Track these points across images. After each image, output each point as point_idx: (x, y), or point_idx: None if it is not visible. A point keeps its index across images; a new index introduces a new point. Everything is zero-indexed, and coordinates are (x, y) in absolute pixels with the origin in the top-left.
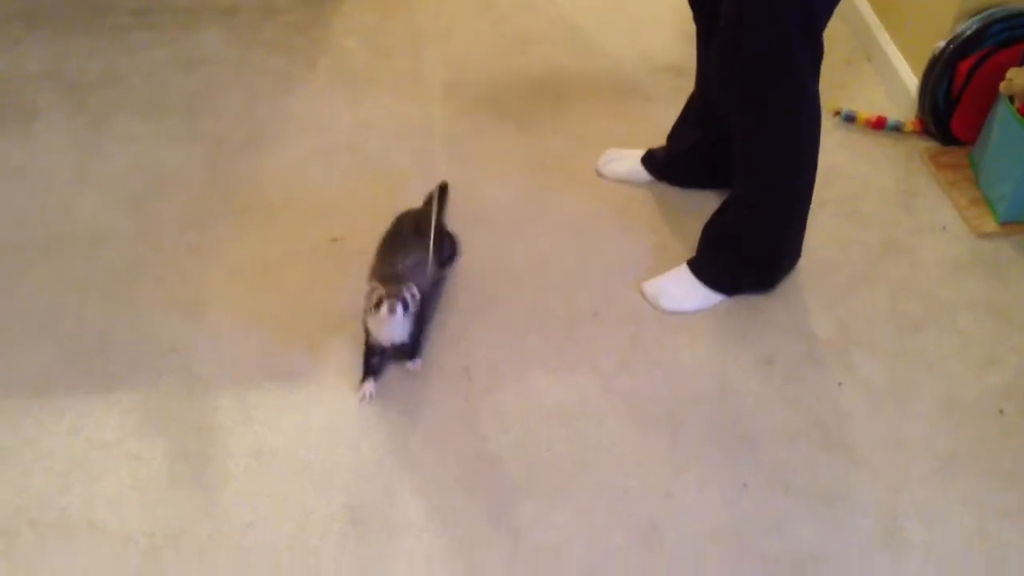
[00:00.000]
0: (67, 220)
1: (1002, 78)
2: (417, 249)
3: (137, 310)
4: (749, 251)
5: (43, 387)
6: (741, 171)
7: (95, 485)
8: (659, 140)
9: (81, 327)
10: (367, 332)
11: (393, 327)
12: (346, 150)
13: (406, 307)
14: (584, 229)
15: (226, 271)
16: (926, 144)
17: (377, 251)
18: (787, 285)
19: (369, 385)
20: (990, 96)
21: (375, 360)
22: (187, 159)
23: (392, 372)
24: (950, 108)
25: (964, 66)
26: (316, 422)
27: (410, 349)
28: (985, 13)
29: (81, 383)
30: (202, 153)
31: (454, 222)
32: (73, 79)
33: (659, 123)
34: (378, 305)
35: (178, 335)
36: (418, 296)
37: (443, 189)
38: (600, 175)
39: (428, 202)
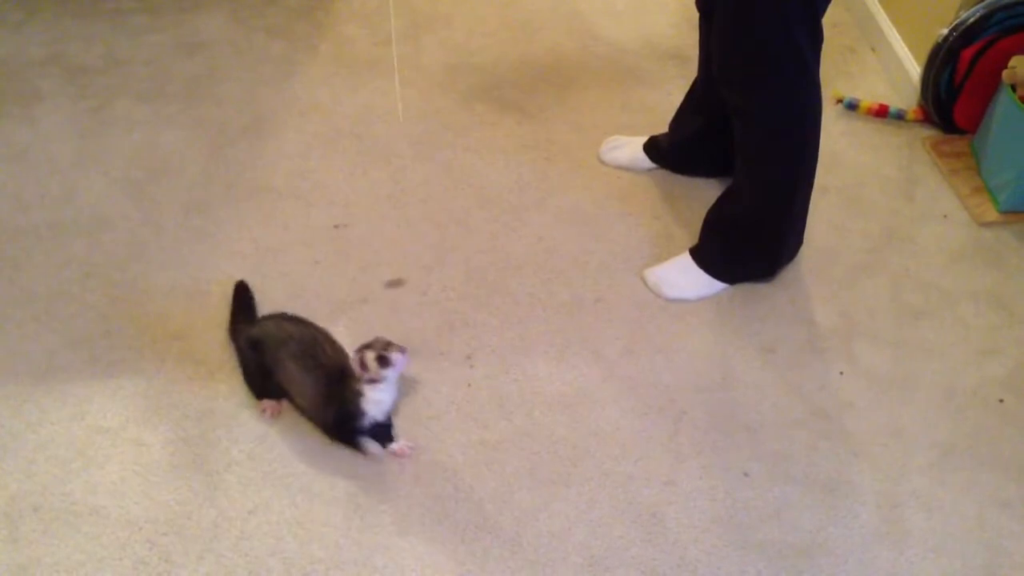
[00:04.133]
0: (70, 204)
1: (1005, 66)
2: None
3: (140, 295)
4: (751, 238)
5: (45, 372)
6: (743, 158)
7: (98, 471)
8: (661, 127)
9: (84, 312)
10: (354, 412)
11: (390, 388)
12: (348, 136)
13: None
14: (586, 216)
15: (229, 256)
16: (928, 132)
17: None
18: (788, 273)
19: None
20: (993, 84)
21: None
22: (189, 144)
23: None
24: (952, 96)
25: (967, 54)
26: None
27: (387, 428)
28: (989, 0)
29: (84, 369)
30: (204, 138)
31: (457, 210)
32: (75, 63)
33: (662, 110)
34: (381, 360)
35: (181, 320)
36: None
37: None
38: (602, 162)
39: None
